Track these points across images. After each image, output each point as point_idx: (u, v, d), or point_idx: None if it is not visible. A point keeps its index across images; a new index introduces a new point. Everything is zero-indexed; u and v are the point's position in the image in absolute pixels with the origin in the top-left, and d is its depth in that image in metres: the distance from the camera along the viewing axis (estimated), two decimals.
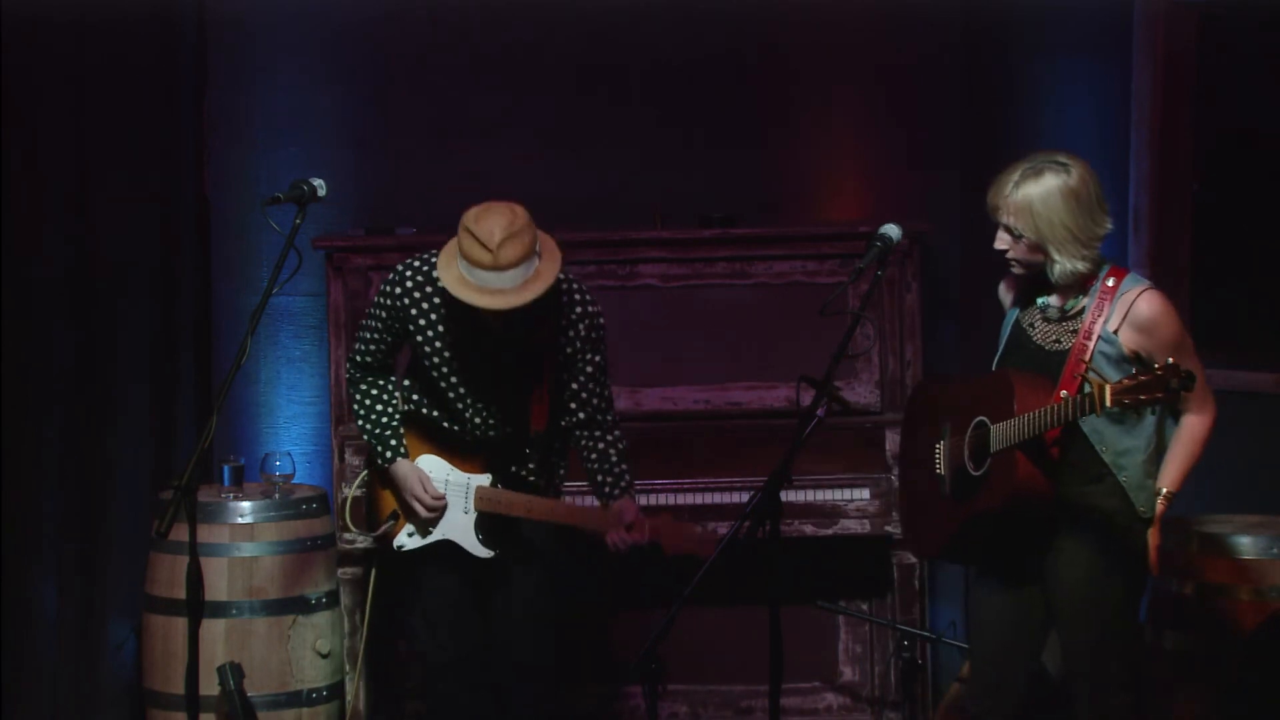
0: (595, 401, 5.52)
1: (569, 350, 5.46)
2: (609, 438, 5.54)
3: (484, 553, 5.50)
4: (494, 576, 5.56)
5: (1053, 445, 4.83)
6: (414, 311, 5.43)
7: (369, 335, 5.53)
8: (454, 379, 5.45)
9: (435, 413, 5.53)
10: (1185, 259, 6.69)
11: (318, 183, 5.50)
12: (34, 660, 6.41)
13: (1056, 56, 6.82)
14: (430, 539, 5.53)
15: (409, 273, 5.44)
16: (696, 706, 6.77)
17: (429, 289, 5.42)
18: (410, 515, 5.53)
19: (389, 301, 5.45)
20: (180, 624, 5.75)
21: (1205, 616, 5.71)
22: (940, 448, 5.03)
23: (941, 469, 5.02)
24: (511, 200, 5.40)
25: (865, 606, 6.70)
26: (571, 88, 7.03)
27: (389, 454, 5.51)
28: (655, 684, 5.06)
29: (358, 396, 5.56)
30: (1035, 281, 5.01)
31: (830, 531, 6.49)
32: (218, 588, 6.23)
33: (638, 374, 6.58)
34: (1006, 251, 4.92)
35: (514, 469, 5.52)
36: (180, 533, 5.21)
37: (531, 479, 5.52)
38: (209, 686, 6.06)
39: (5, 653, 6.32)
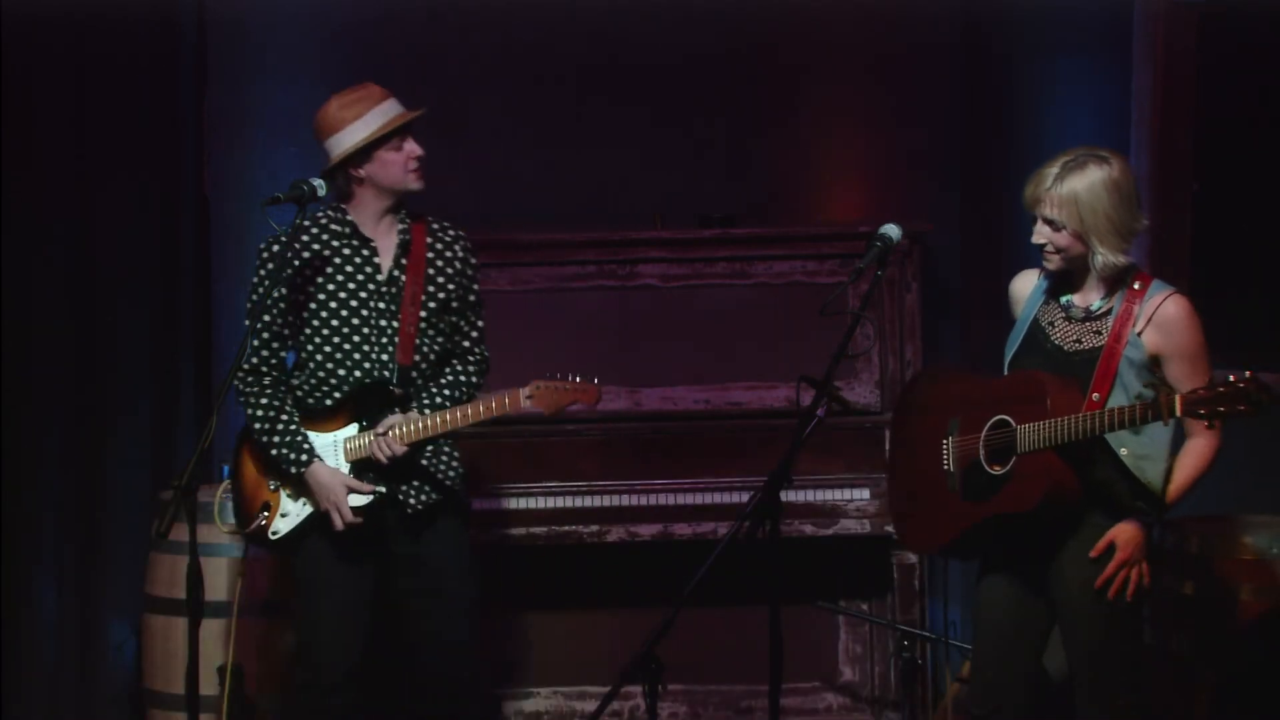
0: (474, 334, 5.59)
1: (449, 286, 5.52)
2: (474, 370, 5.60)
3: (367, 498, 5.41)
4: (401, 559, 5.52)
5: (1083, 448, 4.82)
6: (300, 266, 5.41)
7: (265, 339, 5.43)
8: (353, 336, 5.43)
9: (300, 389, 5.49)
10: (1185, 259, 6.69)
11: (318, 183, 5.50)
12: (34, 660, 6.42)
13: (1056, 56, 6.82)
14: (306, 513, 5.45)
15: (280, 238, 5.42)
16: (696, 706, 6.77)
17: (304, 237, 5.44)
18: (314, 510, 5.46)
19: (267, 260, 5.41)
20: (180, 624, 5.75)
21: (1206, 616, 5.71)
22: (948, 443, 5.01)
23: (950, 465, 5.00)
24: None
25: (865, 606, 6.70)
26: (571, 88, 7.04)
27: (305, 458, 5.42)
28: (655, 684, 5.06)
29: (259, 412, 5.43)
30: (1057, 280, 5.00)
31: (830, 531, 6.49)
32: (218, 588, 6.23)
33: (638, 374, 6.58)
34: (1045, 246, 4.89)
35: (380, 409, 5.47)
36: (180, 533, 5.21)
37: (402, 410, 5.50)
38: (209, 686, 6.06)
39: (5, 653, 6.32)
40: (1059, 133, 6.69)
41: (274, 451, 5.44)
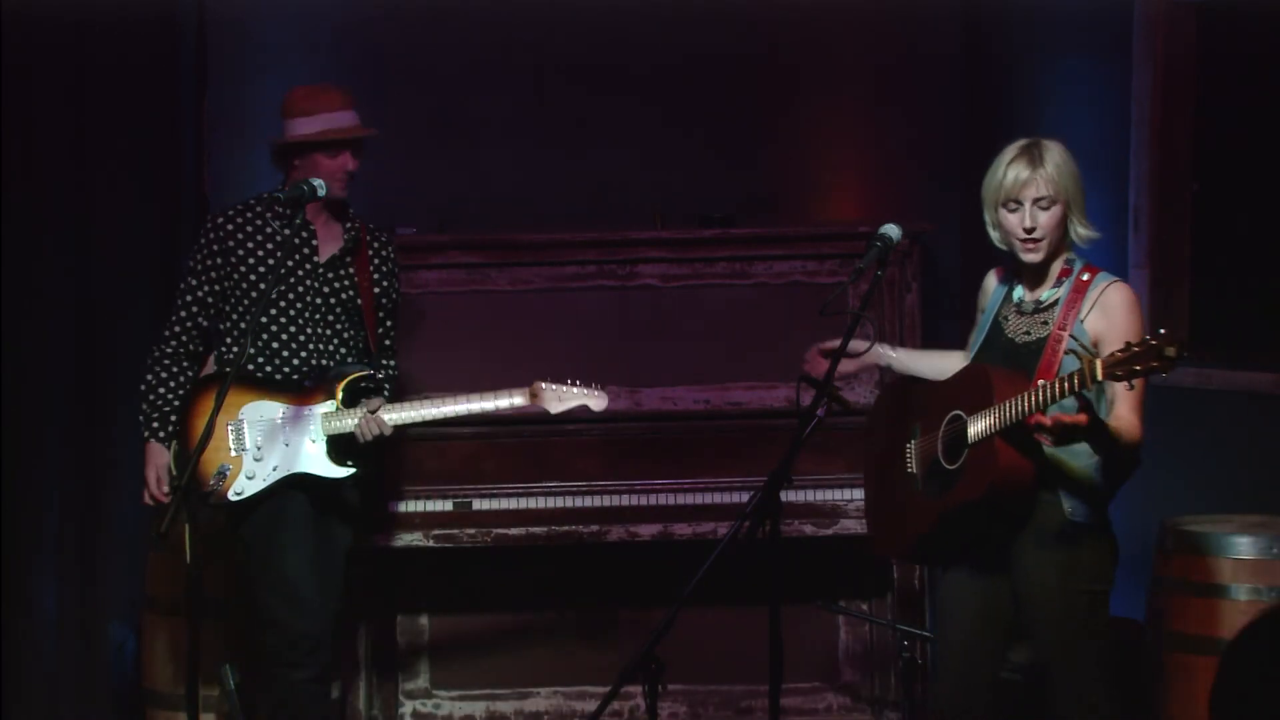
0: (394, 333, 5.89)
1: (384, 283, 5.81)
2: (394, 366, 5.91)
3: (342, 471, 5.64)
4: (328, 512, 5.74)
5: (1028, 435, 4.83)
6: (241, 237, 5.68)
7: (185, 296, 5.73)
8: (289, 310, 5.67)
9: (268, 366, 5.70)
10: (1185, 259, 6.69)
11: (317, 183, 5.53)
12: (34, 660, 6.41)
13: (1056, 56, 6.82)
14: (275, 477, 5.62)
15: (228, 212, 5.74)
16: (696, 706, 6.77)
17: (250, 214, 5.72)
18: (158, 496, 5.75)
19: (212, 243, 5.69)
20: (180, 624, 5.75)
21: (1206, 616, 5.71)
22: (911, 447, 5.05)
23: (913, 467, 5.04)
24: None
25: (865, 606, 6.70)
26: (572, 87, 7.04)
27: (145, 433, 5.72)
28: (655, 684, 5.06)
29: (147, 376, 5.74)
30: (1013, 276, 5.05)
31: (830, 531, 6.49)
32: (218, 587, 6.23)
33: (638, 374, 6.58)
34: (1033, 233, 4.91)
35: (361, 385, 5.71)
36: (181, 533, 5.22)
37: (376, 390, 5.78)
38: (209, 686, 6.06)
39: (5, 653, 6.32)
40: (1059, 132, 6.65)
41: (143, 405, 5.73)
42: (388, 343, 5.88)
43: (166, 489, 5.72)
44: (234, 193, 6.94)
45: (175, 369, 5.76)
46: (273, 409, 5.64)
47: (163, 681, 6.36)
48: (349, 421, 5.61)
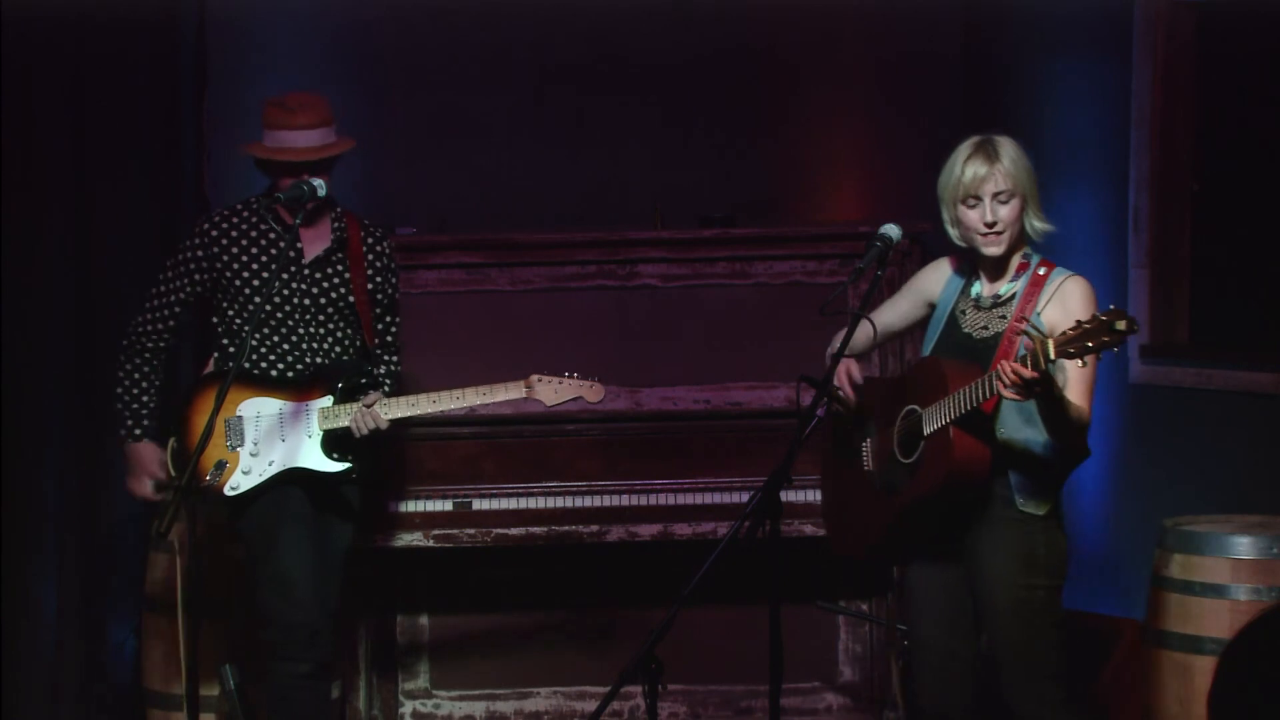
0: (395, 329, 5.87)
1: (379, 278, 5.79)
2: (399, 361, 5.90)
3: (338, 466, 5.66)
4: (325, 505, 5.75)
5: (986, 422, 4.83)
6: (226, 242, 5.69)
7: (164, 294, 5.74)
8: (277, 313, 5.69)
9: (264, 363, 5.72)
10: (1185, 259, 6.70)
11: (317, 183, 5.54)
12: (34, 660, 6.41)
13: (1056, 56, 6.82)
14: (271, 472, 5.64)
15: (214, 218, 5.75)
16: (696, 706, 6.77)
17: (236, 219, 5.72)
18: (139, 489, 5.78)
19: (197, 247, 5.70)
20: (180, 624, 5.76)
21: (1206, 616, 5.71)
22: (866, 445, 5.06)
23: (870, 464, 5.04)
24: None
25: (865, 606, 6.70)
26: (572, 87, 7.04)
27: (138, 431, 5.74)
28: (655, 684, 5.06)
29: (127, 369, 5.76)
30: (970, 271, 5.06)
31: None
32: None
33: (638, 374, 6.58)
34: (994, 227, 4.93)
35: (358, 382, 5.73)
36: (180, 533, 5.21)
37: (375, 387, 5.79)
38: (209, 686, 6.06)
39: (5, 652, 6.32)
40: (1059, 132, 6.69)
41: (117, 405, 5.76)
42: (389, 338, 5.87)
43: (151, 488, 5.74)
44: (234, 193, 6.94)
45: (147, 368, 5.77)
46: (271, 405, 5.66)
47: (162, 681, 6.36)
48: (345, 417, 5.62)
